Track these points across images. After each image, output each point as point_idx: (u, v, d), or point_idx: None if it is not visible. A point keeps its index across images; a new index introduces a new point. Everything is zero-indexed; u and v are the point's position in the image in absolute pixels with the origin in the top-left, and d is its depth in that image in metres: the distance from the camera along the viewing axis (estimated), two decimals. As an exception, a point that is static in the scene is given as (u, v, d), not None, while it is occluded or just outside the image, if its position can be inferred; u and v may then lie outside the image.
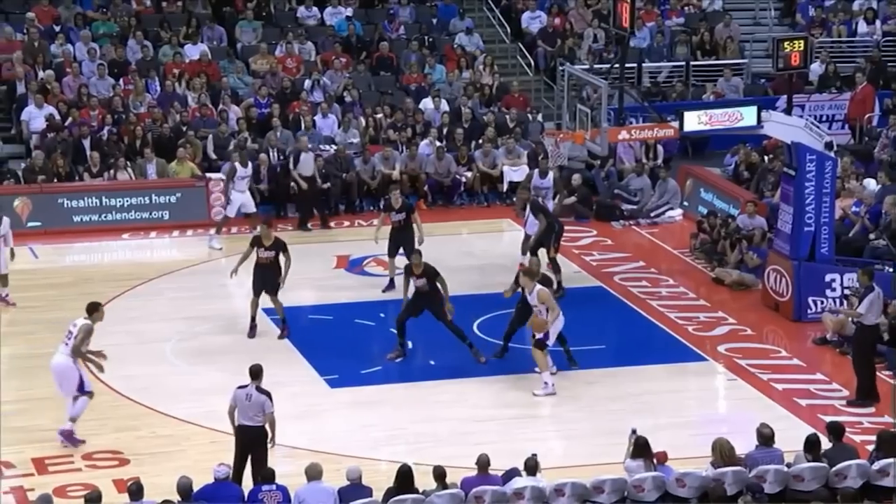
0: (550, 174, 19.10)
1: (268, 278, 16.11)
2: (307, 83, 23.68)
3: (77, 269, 19.37)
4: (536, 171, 19.42)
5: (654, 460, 11.46)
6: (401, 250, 17.39)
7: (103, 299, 17.16)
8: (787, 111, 18.73)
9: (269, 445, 12.18)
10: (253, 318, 16.30)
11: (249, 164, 20.05)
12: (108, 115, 22.10)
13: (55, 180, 20.95)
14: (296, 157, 20.97)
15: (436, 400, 14.81)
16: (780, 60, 17.53)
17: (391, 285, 17.79)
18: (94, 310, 13.75)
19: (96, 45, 23.61)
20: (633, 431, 11.63)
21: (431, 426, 14.23)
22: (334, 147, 22.15)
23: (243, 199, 19.76)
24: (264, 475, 11.33)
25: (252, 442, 12.13)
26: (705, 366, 15.96)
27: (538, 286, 14.75)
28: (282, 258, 16.08)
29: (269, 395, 12.24)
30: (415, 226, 17.54)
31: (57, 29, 23.91)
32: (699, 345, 16.42)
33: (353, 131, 22.77)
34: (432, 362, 15.71)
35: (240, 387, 12.29)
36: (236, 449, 12.22)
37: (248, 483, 11.76)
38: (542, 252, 17.25)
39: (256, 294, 16.26)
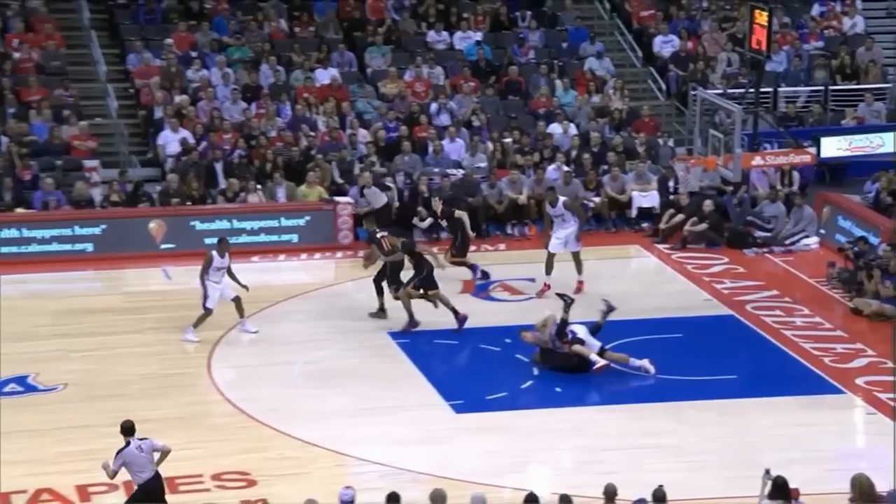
0: (560, 202, 18.40)
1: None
2: (433, 107, 23.97)
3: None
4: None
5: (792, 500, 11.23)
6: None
7: (233, 321, 17.73)
8: (931, 137, 18.36)
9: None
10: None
11: (227, 254, 17.34)
12: (240, 139, 22.71)
13: (188, 203, 21.50)
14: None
15: (560, 427, 14.80)
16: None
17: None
18: None
19: (230, 70, 24.19)
20: (767, 472, 11.39)
21: (556, 454, 14.23)
22: (462, 171, 22.37)
23: (220, 288, 17.28)
24: None
25: (161, 491, 11.69)
26: (842, 399, 15.64)
27: None
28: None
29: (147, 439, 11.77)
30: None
31: (193, 55, 24.56)
32: (836, 377, 16.12)
33: (480, 156, 22.96)
34: (558, 389, 15.70)
35: (121, 450, 11.60)
36: None
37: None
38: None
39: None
